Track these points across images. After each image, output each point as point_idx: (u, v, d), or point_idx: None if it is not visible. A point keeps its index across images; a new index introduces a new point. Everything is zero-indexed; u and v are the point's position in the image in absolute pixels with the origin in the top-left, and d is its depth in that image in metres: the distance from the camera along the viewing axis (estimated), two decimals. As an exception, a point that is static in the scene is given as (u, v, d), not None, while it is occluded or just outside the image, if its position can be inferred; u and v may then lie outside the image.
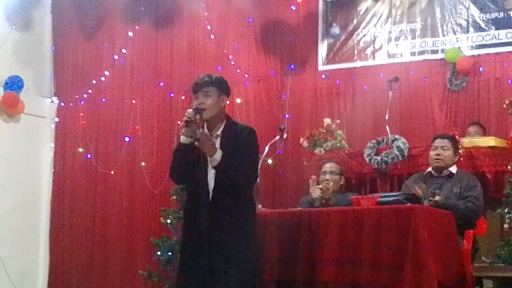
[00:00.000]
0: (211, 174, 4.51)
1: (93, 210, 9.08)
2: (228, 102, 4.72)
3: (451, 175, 5.81)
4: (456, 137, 6.24)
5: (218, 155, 4.43)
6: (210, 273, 4.39)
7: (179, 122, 8.30)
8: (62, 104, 9.45)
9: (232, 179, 4.45)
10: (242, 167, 4.46)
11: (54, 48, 9.55)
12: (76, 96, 9.35)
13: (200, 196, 4.52)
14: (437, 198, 5.33)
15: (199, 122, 4.51)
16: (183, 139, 4.51)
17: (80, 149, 9.16)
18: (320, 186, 5.86)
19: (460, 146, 6.09)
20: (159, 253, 7.71)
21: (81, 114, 9.29)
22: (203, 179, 4.51)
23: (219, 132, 4.58)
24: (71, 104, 9.39)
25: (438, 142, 5.89)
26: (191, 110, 4.48)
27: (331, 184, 6.06)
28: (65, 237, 9.17)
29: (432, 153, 5.90)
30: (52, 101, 9.49)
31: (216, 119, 4.59)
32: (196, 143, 4.41)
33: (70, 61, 9.51)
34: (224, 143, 4.52)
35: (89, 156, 9.14)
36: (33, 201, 9.19)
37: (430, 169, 5.94)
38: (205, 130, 4.57)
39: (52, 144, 9.41)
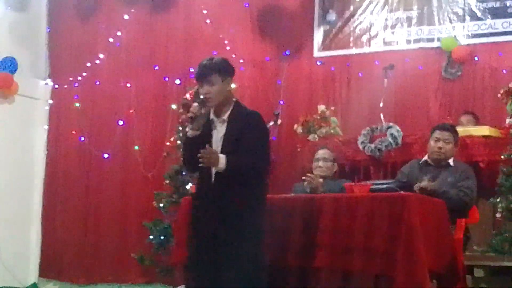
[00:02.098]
0: None
1: (86, 193, 9.05)
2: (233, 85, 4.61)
3: (447, 165, 5.77)
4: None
5: (222, 163, 4.35)
6: (216, 263, 4.38)
7: (172, 106, 8.31)
8: (57, 86, 9.40)
9: (242, 176, 4.39)
10: (250, 159, 4.40)
11: (49, 29, 9.50)
12: (71, 79, 9.28)
13: (204, 179, 4.53)
14: (423, 183, 5.32)
15: (204, 113, 4.47)
16: (190, 133, 4.49)
17: (74, 132, 9.13)
18: (308, 175, 5.86)
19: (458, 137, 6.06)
20: (151, 236, 7.73)
21: (76, 97, 9.25)
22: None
23: (225, 117, 4.54)
24: (66, 86, 9.32)
25: (440, 134, 5.77)
26: (196, 104, 4.46)
27: (319, 172, 6.08)
28: (57, 219, 9.14)
29: (433, 144, 5.78)
30: (47, 83, 9.43)
31: (223, 103, 4.54)
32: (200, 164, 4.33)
33: (65, 43, 9.45)
34: (230, 129, 4.49)
35: (82, 138, 9.11)
36: (26, 183, 9.15)
37: (426, 157, 5.89)
38: (212, 115, 4.54)
39: (46, 126, 9.37)
